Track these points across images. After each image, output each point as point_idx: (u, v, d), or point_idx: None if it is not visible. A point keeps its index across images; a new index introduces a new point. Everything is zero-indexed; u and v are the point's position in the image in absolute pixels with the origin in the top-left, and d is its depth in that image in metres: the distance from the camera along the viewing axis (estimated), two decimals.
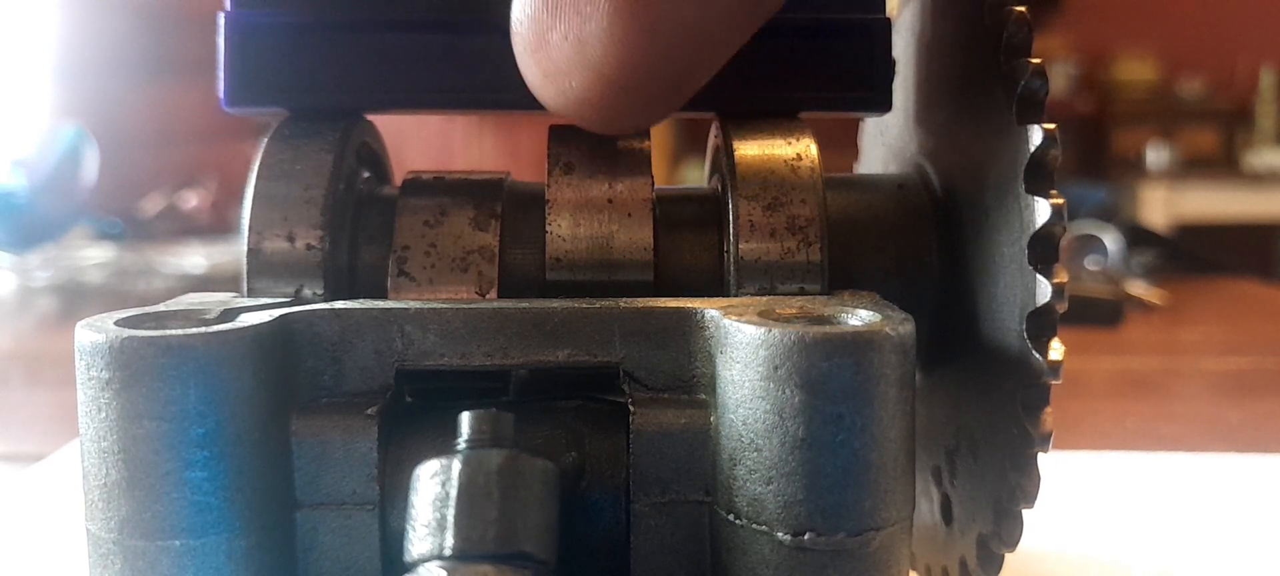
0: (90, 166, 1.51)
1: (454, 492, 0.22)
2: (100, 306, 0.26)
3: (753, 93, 0.32)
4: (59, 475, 0.50)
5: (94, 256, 1.45)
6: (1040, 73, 0.27)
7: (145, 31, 2.38)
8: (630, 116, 0.27)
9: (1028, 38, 0.28)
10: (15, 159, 1.49)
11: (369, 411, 0.26)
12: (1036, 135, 0.27)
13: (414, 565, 0.21)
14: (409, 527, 0.22)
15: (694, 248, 0.31)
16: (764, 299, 0.28)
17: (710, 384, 0.26)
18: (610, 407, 0.27)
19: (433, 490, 0.22)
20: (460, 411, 0.24)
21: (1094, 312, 0.97)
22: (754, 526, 0.24)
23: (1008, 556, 0.29)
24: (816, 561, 0.24)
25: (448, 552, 0.21)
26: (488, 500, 0.22)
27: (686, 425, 0.26)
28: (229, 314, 0.26)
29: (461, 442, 0.23)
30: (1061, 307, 0.27)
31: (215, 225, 1.75)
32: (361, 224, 0.31)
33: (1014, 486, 0.28)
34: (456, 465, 0.22)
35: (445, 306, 0.27)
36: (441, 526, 0.22)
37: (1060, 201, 0.27)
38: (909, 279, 0.32)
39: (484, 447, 0.23)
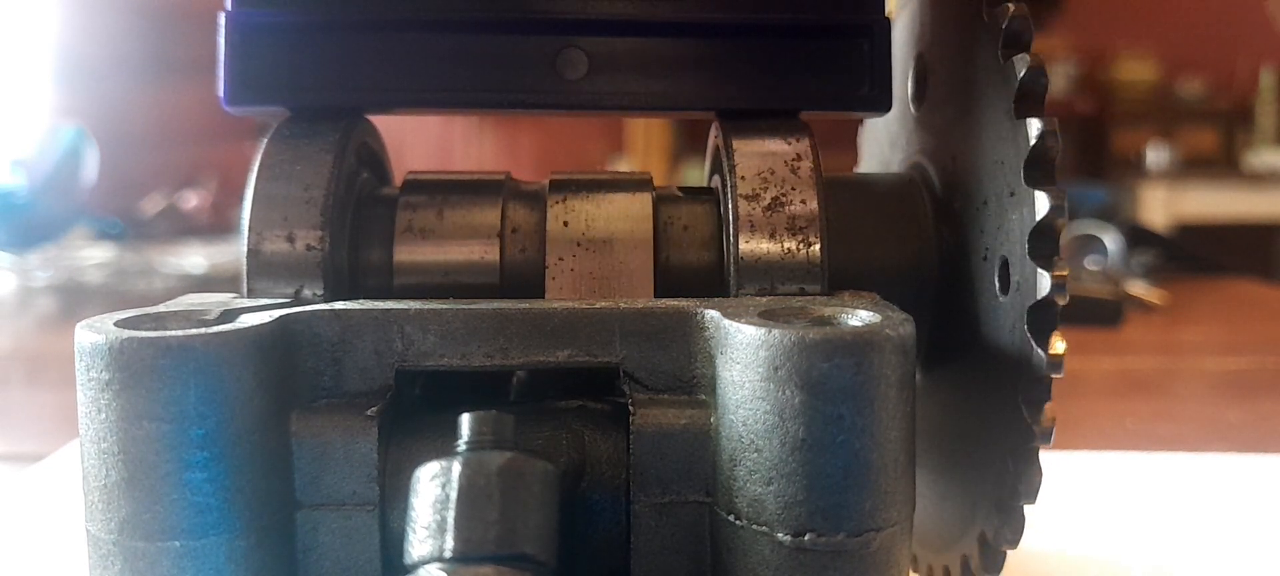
0: (90, 166, 1.51)
1: (454, 494, 0.22)
2: (100, 306, 0.26)
3: (753, 93, 0.32)
4: (59, 475, 0.50)
5: (94, 256, 1.45)
6: (1039, 66, 0.27)
7: (145, 31, 2.37)
8: None
9: (1027, 32, 0.28)
10: (15, 159, 1.49)
11: (369, 412, 0.26)
12: (1036, 128, 0.27)
13: (414, 567, 0.21)
14: (409, 529, 0.22)
15: (694, 248, 0.31)
16: (764, 299, 0.28)
17: (710, 384, 0.26)
18: (611, 408, 0.27)
19: (433, 492, 0.22)
20: (460, 412, 0.24)
21: (1094, 313, 0.97)
22: (754, 527, 0.24)
23: (1008, 555, 0.29)
24: (817, 562, 0.24)
25: (448, 554, 0.21)
26: (488, 502, 0.22)
27: (687, 425, 0.26)
28: (229, 315, 0.26)
29: (462, 444, 0.23)
30: (1062, 300, 0.27)
31: (215, 225, 1.75)
32: (361, 224, 0.31)
33: (1015, 483, 0.28)
34: (457, 467, 0.22)
35: (445, 307, 0.27)
36: (442, 528, 0.21)
37: (1061, 194, 0.27)
38: (909, 279, 0.32)
39: (484, 449, 0.23)
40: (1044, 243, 0.27)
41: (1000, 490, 0.28)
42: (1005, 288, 0.29)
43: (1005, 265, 0.29)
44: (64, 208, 1.47)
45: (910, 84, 0.36)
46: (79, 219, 1.54)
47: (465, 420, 0.24)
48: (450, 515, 0.22)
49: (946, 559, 0.33)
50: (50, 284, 1.32)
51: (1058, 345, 0.27)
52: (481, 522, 0.21)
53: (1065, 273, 0.27)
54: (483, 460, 0.22)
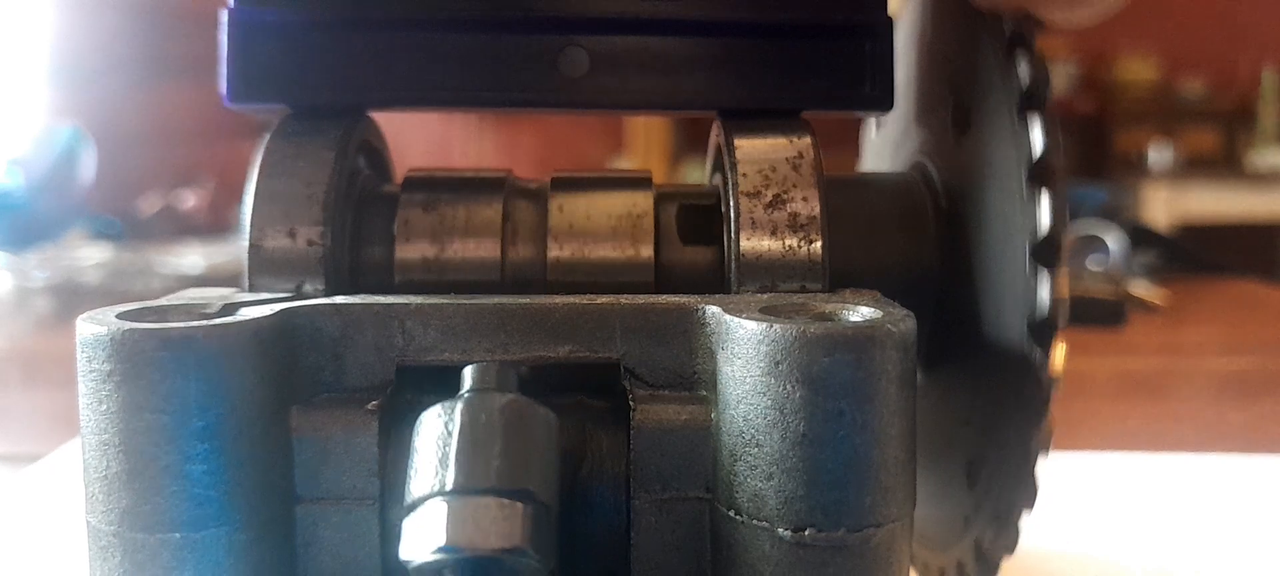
0: (88, 166, 1.51)
1: (457, 430, 0.22)
2: (98, 306, 0.26)
3: (754, 92, 0.32)
4: (57, 475, 0.50)
5: (91, 256, 1.45)
6: (1043, 71, 0.27)
7: (143, 31, 2.37)
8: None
9: (1031, 36, 0.28)
10: (12, 159, 1.49)
11: (369, 407, 0.26)
12: (1039, 136, 0.27)
13: (417, 504, 0.21)
14: (411, 471, 0.22)
15: (695, 245, 0.31)
16: (765, 296, 0.28)
17: (711, 380, 0.26)
18: (611, 404, 0.27)
19: (436, 429, 0.22)
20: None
21: (1096, 313, 0.97)
22: (754, 522, 0.24)
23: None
24: (817, 558, 0.24)
25: (450, 488, 0.21)
26: (490, 438, 0.22)
27: (687, 421, 0.26)
28: (230, 308, 0.26)
29: (465, 392, 0.23)
30: (1063, 315, 0.26)
31: (213, 225, 1.75)
32: (363, 221, 0.31)
33: (1012, 494, 0.28)
34: (459, 406, 0.22)
35: (446, 302, 0.27)
36: (444, 464, 0.21)
37: (1063, 204, 0.26)
38: (910, 277, 0.32)
39: (487, 393, 0.23)
40: (1046, 253, 0.27)
41: (997, 499, 0.28)
42: (1006, 292, 0.28)
43: (1007, 270, 0.28)
44: (61, 207, 1.47)
45: (912, 82, 0.36)
46: (76, 219, 1.54)
47: (469, 370, 0.24)
48: (452, 450, 0.21)
49: (943, 560, 0.33)
50: (48, 284, 1.32)
51: (1058, 358, 0.27)
52: (484, 457, 0.21)
53: (1067, 286, 0.26)
54: (486, 399, 0.22)
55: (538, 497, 0.21)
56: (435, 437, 0.22)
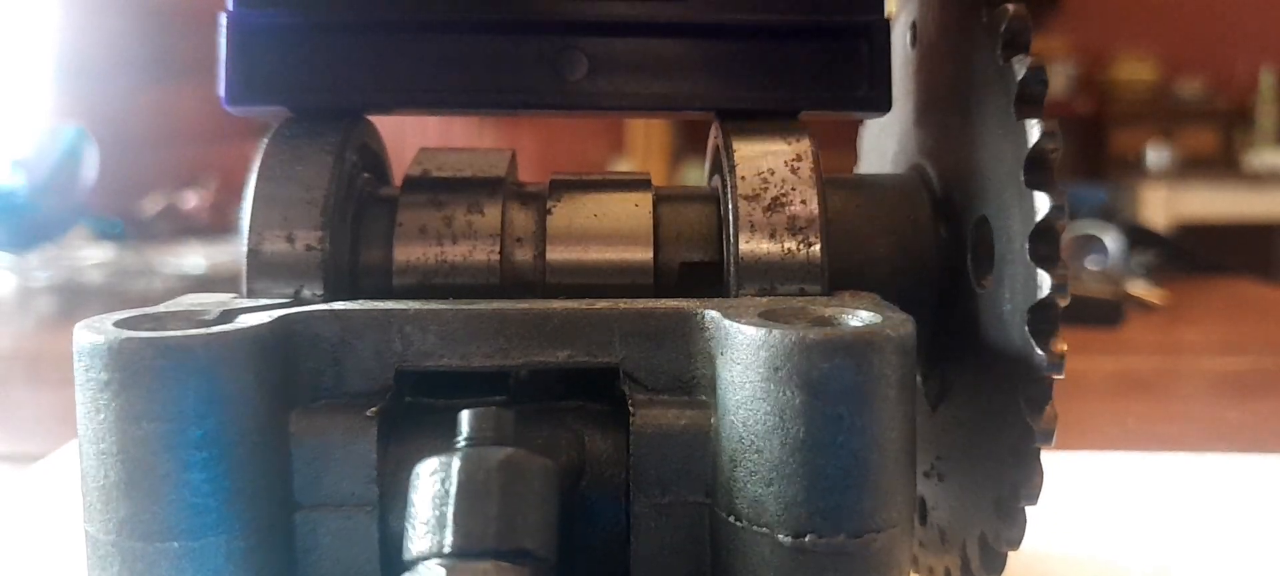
0: (90, 166, 1.51)
1: (454, 489, 0.22)
2: (100, 306, 0.26)
3: (753, 93, 0.32)
4: (59, 475, 0.50)
5: (94, 256, 1.45)
6: (1039, 67, 0.27)
7: (145, 32, 2.37)
8: None
9: (1026, 33, 0.28)
10: (15, 159, 1.49)
11: (368, 412, 0.26)
12: (1035, 130, 0.27)
13: (414, 563, 0.21)
14: (409, 525, 0.22)
15: (694, 248, 0.31)
16: (764, 299, 0.28)
17: (710, 385, 0.26)
18: (610, 409, 0.27)
19: (432, 487, 0.22)
20: (460, 411, 0.24)
21: (1094, 312, 0.97)
22: (754, 528, 0.24)
23: (1008, 555, 0.29)
24: (817, 563, 0.24)
25: (447, 550, 0.21)
26: (488, 497, 0.22)
27: (687, 426, 0.26)
28: (228, 315, 0.26)
29: (461, 440, 0.23)
30: (1063, 301, 0.27)
31: (215, 225, 1.75)
32: (361, 224, 0.31)
33: (1016, 483, 0.28)
34: (456, 462, 0.22)
35: (445, 307, 0.27)
36: (441, 523, 0.21)
37: (1061, 195, 0.27)
38: (909, 279, 0.32)
39: (484, 445, 0.23)
40: (1044, 244, 0.27)
41: (1000, 491, 0.28)
42: (1006, 289, 0.29)
43: (1005, 266, 0.29)
44: (64, 208, 1.47)
45: (909, 83, 0.36)
46: (79, 219, 1.54)
47: (465, 416, 0.24)
48: (449, 510, 0.21)
49: (947, 559, 0.33)
50: (50, 284, 1.32)
51: (1059, 345, 0.27)
52: (481, 518, 0.21)
53: (1066, 274, 0.27)
54: (482, 455, 0.22)
55: (536, 555, 0.21)
56: (432, 496, 0.22)
